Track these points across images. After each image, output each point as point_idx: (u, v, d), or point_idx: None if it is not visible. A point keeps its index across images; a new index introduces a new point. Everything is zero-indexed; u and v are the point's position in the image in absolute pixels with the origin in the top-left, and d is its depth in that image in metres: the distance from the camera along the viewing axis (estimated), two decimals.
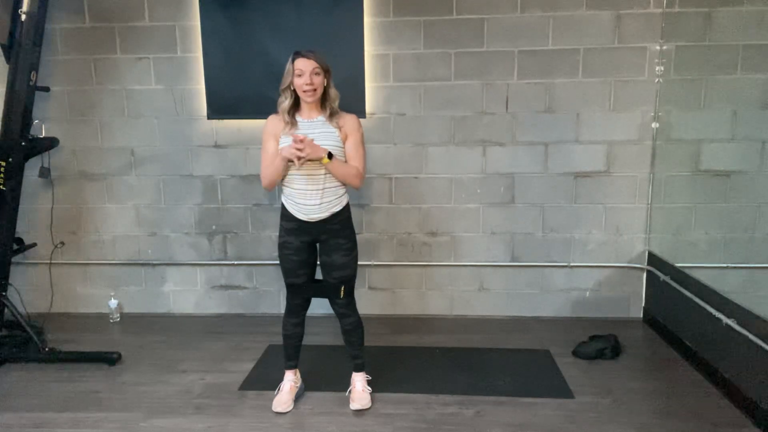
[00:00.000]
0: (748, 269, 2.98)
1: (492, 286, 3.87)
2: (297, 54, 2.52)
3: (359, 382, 2.83)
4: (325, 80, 2.54)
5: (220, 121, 3.76)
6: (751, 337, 2.56)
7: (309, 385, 2.94)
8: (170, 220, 3.92)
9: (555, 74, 3.57)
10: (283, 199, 2.66)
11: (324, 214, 2.58)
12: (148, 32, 3.69)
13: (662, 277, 3.46)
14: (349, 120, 2.62)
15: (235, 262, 3.95)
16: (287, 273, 2.71)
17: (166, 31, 3.69)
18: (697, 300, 3.04)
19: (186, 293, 4.02)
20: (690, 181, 3.39)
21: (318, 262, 2.74)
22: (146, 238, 3.95)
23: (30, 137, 3.38)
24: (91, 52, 3.74)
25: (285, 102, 2.56)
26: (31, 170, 3.65)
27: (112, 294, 3.97)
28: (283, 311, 3.92)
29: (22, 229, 3.74)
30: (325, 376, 3.04)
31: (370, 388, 2.83)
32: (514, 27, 3.54)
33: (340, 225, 2.62)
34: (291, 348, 2.83)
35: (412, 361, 3.22)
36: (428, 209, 3.79)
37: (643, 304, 3.80)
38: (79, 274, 4.03)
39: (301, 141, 2.43)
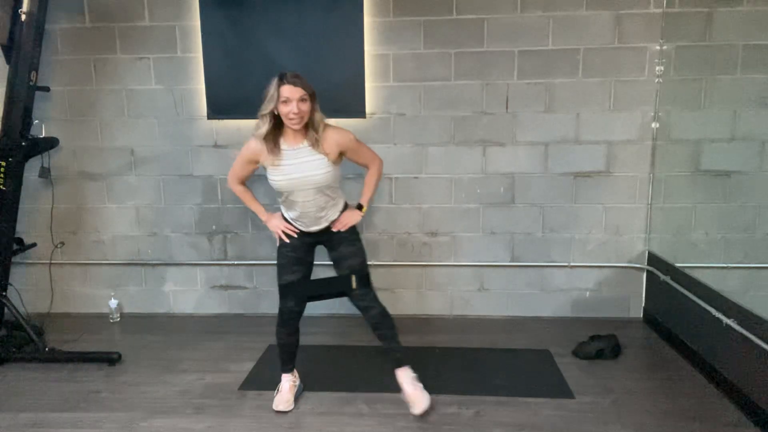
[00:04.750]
0: (748, 269, 2.98)
1: (492, 286, 3.87)
2: (282, 80, 2.40)
3: (407, 381, 2.71)
4: (311, 105, 2.46)
5: (220, 121, 3.76)
6: (751, 337, 2.56)
7: (309, 385, 2.94)
8: (170, 220, 3.92)
9: (555, 74, 3.57)
10: (283, 210, 2.69)
11: (323, 225, 2.62)
12: (148, 32, 3.69)
13: (662, 277, 3.46)
14: (334, 140, 2.51)
15: (235, 262, 3.95)
16: (282, 270, 2.67)
17: (166, 31, 3.69)
18: (697, 300, 3.04)
19: (186, 293, 4.02)
20: (690, 181, 3.39)
21: (330, 258, 2.71)
22: (146, 238, 3.95)
23: (30, 137, 3.38)
24: (91, 52, 3.74)
25: (263, 128, 2.47)
26: (31, 170, 3.65)
27: (112, 294, 3.97)
28: None
29: (22, 229, 3.74)
30: (324, 376, 3.04)
31: (420, 384, 2.72)
32: (514, 27, 3.54)
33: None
34: (286, 354, 2.82)
35: (412, 361, 3.21)
36: (428, 209, 3.79)
37: (643, 304, 3.80)
38: (79, 274, 4.03)
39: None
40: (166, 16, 3.67)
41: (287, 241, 2.65)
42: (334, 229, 2.63)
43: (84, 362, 3.25)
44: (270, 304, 3.98)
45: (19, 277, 3.80)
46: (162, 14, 3.67)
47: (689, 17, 3.35)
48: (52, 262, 3.88)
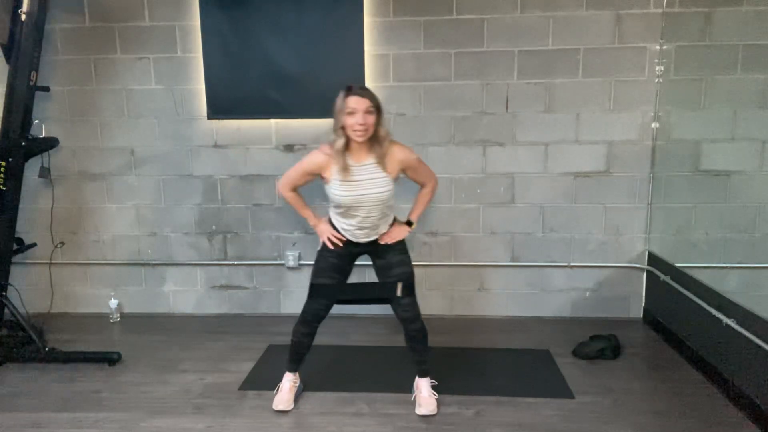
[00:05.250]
0: (748, 269, 2.98)
1: (492, 286, 3.87)
2: (348, 91, 2.40)
3: (425, 387, 2.75)
4: (377, 118, 2.42)
5: (220, 121, 3.76)
6: (751, 337, 2.56)
7: (309, 385, 2.94)
8: (170, 220, 3.92)
9: (555, 74, 3.57)
10: (332, 217, 2.66)
11: (372, 237, 2.61)
12: (148, 32, 3.69)
13: (662, 277, 3.46)
14: (398, 159, 2.51)
15: (235, 262, 3.95)
16: (318, 273, 2.64)
17: (166, 31, 3.69)
18: (697, 300, 3.04)
19: (186, 293, 4.02)
20: (690, 181, 3.39)
21: (374, 265, 2.70)
22: (146, 238, 3.95)
23: (30, 137, 3.37)
24: (91, 52, 3.74)
25: (339, 142, 2.44)
26: (31, 170, 3.65)
27: (112, 294, 3.97)
28: (282, 311, 3.97)
29: (22, 229, 3.73)
30: (325, 376, 3.04)
31: (436, 394, 2.75)
32: (514, 27, 3.54)
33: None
34: (296, 354, 2.80)
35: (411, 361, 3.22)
36: (428, 209, 3.78)
37: (643, 304, 3.80)
38: (79, 274, 4.03)
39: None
40: (166, 16, 3.67)
41: (332, 248, 2.62)
42: (381, 242, 2.63)
43: (84, 362, 3.25)
44: (270, 304, 3.99)
45: (19, 277, 3.80)
46: (162, 14, 3.67)
47: (689, 17, 3.35)
48: (52, 262, 3.88)
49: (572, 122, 3.62)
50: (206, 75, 3.69)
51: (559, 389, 2.89)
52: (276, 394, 2.78)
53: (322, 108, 3.62)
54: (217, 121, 3.76)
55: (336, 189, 2.50)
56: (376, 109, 2.41)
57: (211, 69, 3.68)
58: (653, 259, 3.65)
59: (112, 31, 3.71)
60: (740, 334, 2.64)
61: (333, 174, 2.50)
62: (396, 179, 2.57)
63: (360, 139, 2.41)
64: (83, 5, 3.69)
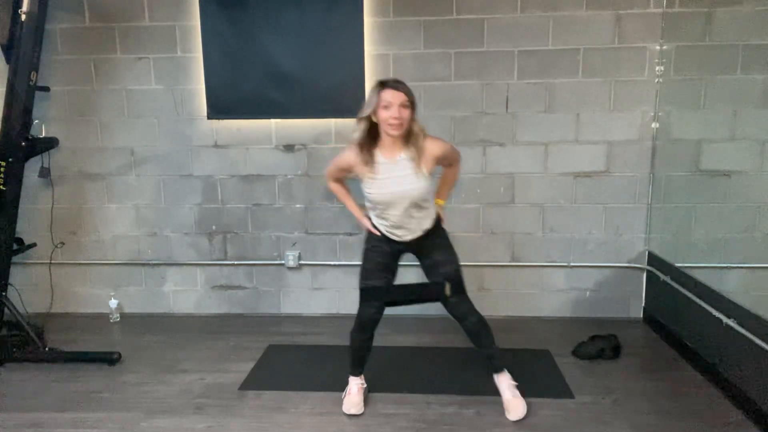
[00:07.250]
0: (748, 269, 2.98)
1: (492, 286, 3.87)
2: (383, 84, 2.35)
3: (507, 388, 2.65)
4: (411, 113, 2.38)
5: (220, 121, 3.76)
6: (751, 337, 2.56)
7: (308, 385, 2.94)
8: (170, 220, 3.92)
9: (555, 74, 3.57)
10: (373, 219, 2.61)
11: (417, 234, 2.55)
12: (148, 32, 3.69)
13: (662, 277, 3.46)
14: (434, 154, 2.46)
15: (235, 262, 3.95)
16: (367, 273, 2.58)
17: (166, 31, 3.69)
18: (697, 300, 3.04)
19: (186, 293, 4.02)
20: (690, 181, 3.39)
21: (421, 265, 2.65)
22: (146, 238, 3.95)
23: (30, 137, 3.37)
24: (91, 52, 3.74)
25: (357, 133, 2.40)
26: (31, 170, 3.65)
27: (112, 294, 3.97)
28: (282, 311, 3.97)
29: (22, 229, 3.73)
30: (324, 377, 3.04)
31: (518, 391, 2.67)
32: (514, 27, 3.54)
33: (432, 229, 2.59)
34: (357, 358, 2.75)
35: (412, 361, 3.22)
36: None
37: (643, 304, 3.80)
38: (79, 274, 4.03)
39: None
40: (166, 16, 3.67)
41: (378, 234, 2.56)
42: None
43: (84, 362, 3.25)
44: (270, 304, 3.99)
45: (19, 277, 3.80)
46: (162, 14, 3.67)
47: (689, 17, 3.35)
48: (52, 262, 3.88)
49: (572, 122, 3.62)
50: (206, 75, 3.69)
51: (559, 389, 2.89)
52: (345, 397, 2.73)
53: (322, 108, 3.66)
54: (217, 121, 3.76)
55: (367, 186, 2.46)
56: (411, 103, 2.37)
57: (211, 69, 3.68)
58: (653, 259, 3.65)
59: (112, 31, 3.71)
60: (740, 334, 2.64)
61: (363, 171, 2.45)
62: (432, 174, 2.50)
63: (395, 133, 2.36)
64: (83, 5, 3.69)
